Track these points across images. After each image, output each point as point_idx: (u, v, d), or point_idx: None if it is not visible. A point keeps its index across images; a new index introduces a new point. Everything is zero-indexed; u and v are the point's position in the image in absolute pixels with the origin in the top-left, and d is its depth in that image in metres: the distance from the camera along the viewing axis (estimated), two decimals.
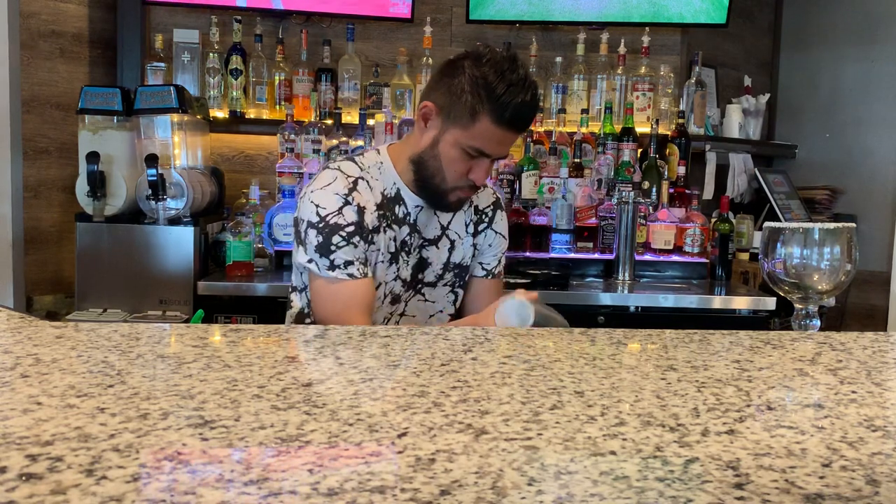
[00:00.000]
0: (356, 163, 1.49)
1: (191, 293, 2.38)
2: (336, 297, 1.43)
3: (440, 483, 0.42)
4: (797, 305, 1.07)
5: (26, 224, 2.73)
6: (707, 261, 2.74)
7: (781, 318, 2.62)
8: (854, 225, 1.06)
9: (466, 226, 1.61)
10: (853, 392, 0.64)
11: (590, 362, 0.74)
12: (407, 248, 1.53)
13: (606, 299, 2.44)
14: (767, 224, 1.09)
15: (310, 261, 1.43)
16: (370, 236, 1.45)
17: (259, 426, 0.51)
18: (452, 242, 1.59)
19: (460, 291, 1.63)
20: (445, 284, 1.60)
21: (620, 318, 2.42)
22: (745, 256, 3.05)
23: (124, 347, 0.75)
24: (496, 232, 1.65)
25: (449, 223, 1.58)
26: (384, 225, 1.48)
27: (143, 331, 0.83)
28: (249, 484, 0.41)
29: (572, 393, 0.62)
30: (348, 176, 1.45)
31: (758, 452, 0.49)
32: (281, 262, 2.69)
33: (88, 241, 2.39)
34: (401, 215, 1.51)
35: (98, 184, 2.33)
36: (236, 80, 2.91)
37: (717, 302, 2.45)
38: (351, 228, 1.41)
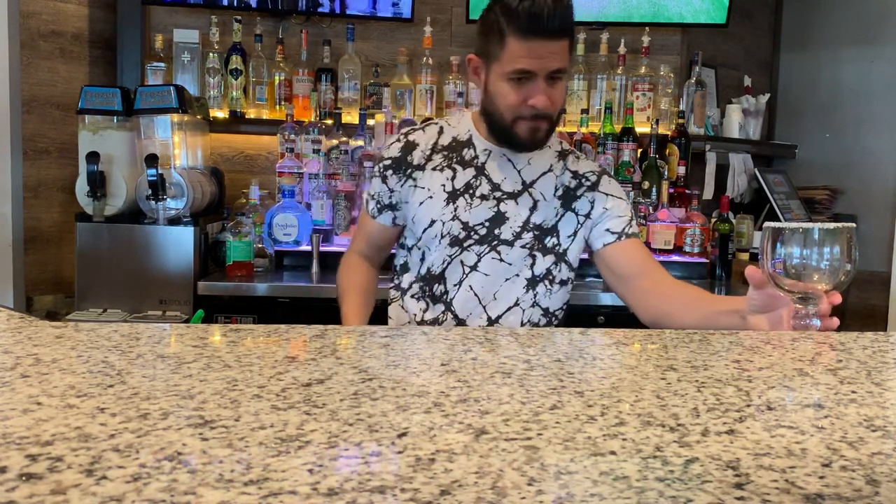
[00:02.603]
0: (442, 117, 1.68)
1: (191, 293, 2.39)
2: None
3: (440, 483, 0.42)
4: (797, 305, 1.07)
5: (26, 224, 2.73)
6: (707, 261, 2.74)
7: None
8: (854, 225, 1.06)
9: (556, 189, 1.56)
10: (853, 392, 0.64)
11: (590, 362, 0.74)
12: (471, 191, 1.53)
13: (606, 299, 2.44)
14: (767, 224, 1.08)
15: None
16: (412, 171, 1.55)
17: (259, 426, 0.51)
18: (536, 202, 1.55)
19: (539, 256, 1.55)
20: (524, 246, 1.54)
21: (620, 318, 2.42)
22: (745, 256, 3.05)
23: (124, 347, 0.75)
24: (606, 194, 1.57)
25: (534, 182, 1.55)
26: (444, 164, 1.55)
27: (143, 331, 0.83)
28: (249, 484, 0.41)
29: (572, 393, 0.62)
30: (423, 121, 1.68)
31: (758, 452, 0.49)
32: (281, 262, 2.69)
33: (88, 241, 2.39)
34: (467, 158, 1.55)
35: (98, 184, 2.33)
36: (236, 80, 2.91)
37: None
38: (388, 162, 1.56)
